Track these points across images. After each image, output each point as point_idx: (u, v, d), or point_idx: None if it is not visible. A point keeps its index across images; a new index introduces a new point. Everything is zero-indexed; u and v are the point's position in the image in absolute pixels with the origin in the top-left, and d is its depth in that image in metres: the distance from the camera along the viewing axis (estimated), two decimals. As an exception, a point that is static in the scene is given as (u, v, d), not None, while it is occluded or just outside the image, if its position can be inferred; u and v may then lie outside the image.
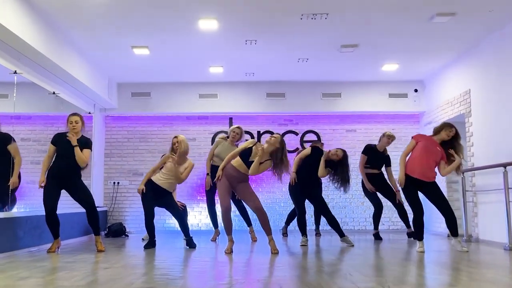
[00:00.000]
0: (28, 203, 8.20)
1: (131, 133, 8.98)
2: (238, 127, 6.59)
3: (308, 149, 6.13)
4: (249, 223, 6.68)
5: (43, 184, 5.21)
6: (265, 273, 3.77)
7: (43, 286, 3.10)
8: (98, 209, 8.09)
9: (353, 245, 5.75)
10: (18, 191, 5.87)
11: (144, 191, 5.60)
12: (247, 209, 6.59)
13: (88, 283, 3.19)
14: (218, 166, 5.32)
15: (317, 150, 6.07)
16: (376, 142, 6.86)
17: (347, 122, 8.96)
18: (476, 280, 3.27)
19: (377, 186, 6.66)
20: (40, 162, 8.80)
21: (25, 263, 4.30)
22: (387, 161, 6.74)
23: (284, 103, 8.73)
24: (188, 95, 8.73)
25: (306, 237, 5.93)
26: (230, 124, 8.82)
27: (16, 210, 5.66)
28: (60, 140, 5.25)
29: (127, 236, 7.87)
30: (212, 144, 8.91)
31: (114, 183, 8.81)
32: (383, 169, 6.79)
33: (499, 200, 5.86)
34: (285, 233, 7.33)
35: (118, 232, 7.79)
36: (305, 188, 5.95)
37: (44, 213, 5.18)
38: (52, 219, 5.16)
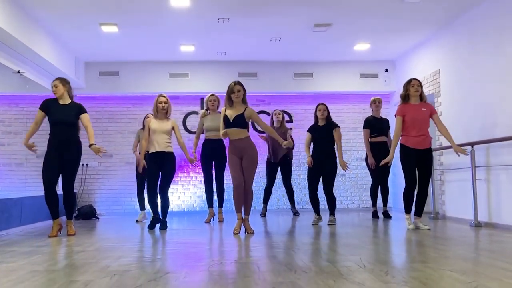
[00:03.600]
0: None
1: (100, 114, 8.77)
2: (212, 95, 6.60)
3: (307, 134, 6.07)
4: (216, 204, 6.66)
5: (35, 149, 5.10)
6: (242, 253, 3.78)
7: (16, 272, 3.02)
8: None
9: (334, 224, 5.82)
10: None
11: (145, 166, 5.48)
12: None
13: (62, 267, 3.13)
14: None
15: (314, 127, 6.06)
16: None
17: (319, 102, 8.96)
18: (447, 257, 3.37)
19: (381, 156, 6.50)
20: (4, 144, 8.52)
21: (-7, 248, 4.18)
22: (388, 125, 6.82)
23: (256, 83, 8.68)
24: (158, 75, 8.56)
25: (319, 214, 6.00)
26: (202, 104, 8.72)
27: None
28: (52, 108, 5.05)
29: (98, 218, 7.76)
30: (184, 125, 8.85)
31: (83, 164, 8.60)
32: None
33: (465, 179, 6.04)
34: (263, 214, 7.34)
35: (88, 214, 7.67)
36: (321, 164, 5.90)
37: (43, 190, 4.97)
38: (51, 195, 4.94)
